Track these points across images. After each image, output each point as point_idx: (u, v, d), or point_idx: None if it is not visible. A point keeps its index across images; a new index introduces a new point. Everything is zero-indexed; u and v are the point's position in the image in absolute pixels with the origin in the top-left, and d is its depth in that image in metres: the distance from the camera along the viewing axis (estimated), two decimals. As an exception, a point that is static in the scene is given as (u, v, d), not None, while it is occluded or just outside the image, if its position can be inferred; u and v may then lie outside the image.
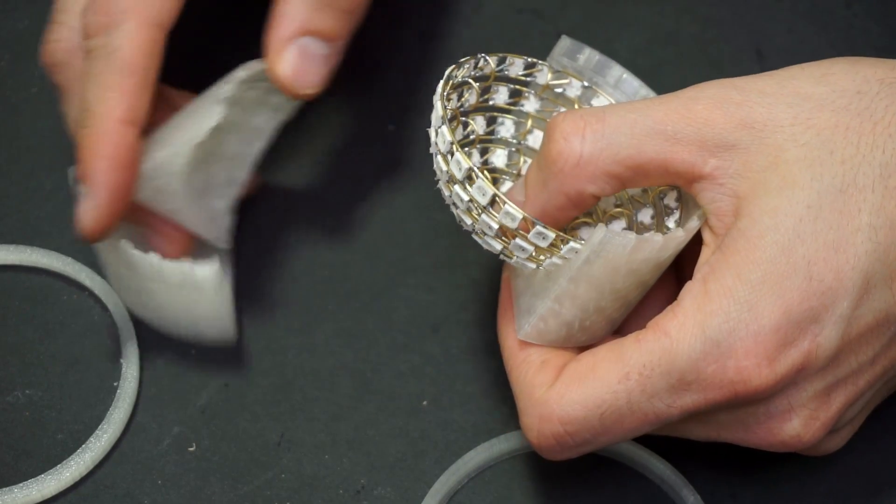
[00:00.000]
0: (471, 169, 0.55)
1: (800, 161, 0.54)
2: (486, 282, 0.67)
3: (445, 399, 0.64)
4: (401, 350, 0.66)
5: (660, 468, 0.62)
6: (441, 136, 0.57)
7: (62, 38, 0.63)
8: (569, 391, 0.55)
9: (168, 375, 0.65)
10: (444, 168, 0.57)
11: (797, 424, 0.55)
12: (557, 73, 0.63)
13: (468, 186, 0.56)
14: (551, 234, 0.55)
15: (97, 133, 0.60)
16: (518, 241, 0.56)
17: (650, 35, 0.75)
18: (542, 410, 0.56)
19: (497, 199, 0.55)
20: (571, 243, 0.55)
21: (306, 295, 0.67)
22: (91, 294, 0.66)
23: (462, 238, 0.69)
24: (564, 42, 0.62)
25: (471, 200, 0.56)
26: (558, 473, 0.62)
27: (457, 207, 0.57)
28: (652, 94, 0.62)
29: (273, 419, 0.64)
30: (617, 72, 0.62)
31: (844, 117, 0.55)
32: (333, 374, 0.65)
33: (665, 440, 0.63)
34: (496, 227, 0.56)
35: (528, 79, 0.62)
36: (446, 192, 0.58)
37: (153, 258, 0.62)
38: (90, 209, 0.60)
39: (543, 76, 0.62)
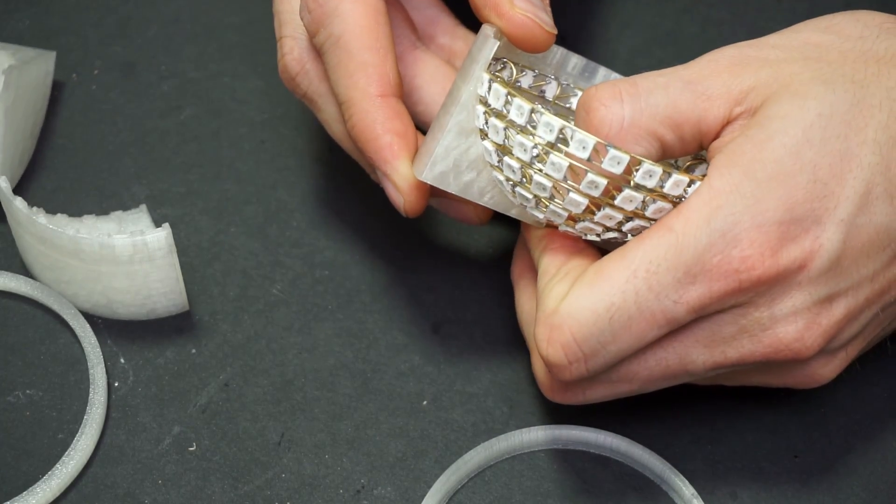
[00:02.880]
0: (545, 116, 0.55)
1: (814, 79, 0.56)
2: (486, 282, 0.68)
3: (445, 399, 0.64)
4: (401, 350, 0.66)
5: (659, 468, 0.62)
6: (495, 91, 0.57)
7: (290, 49, 0.63)
8: (578, 298, 0.56)
9: (168, 375, 0.65)
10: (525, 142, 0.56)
11: (801, 326, 0.56)
12: (564, 87, 0.63)
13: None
14: (658, 169, 0.55)
15: (363, 119, 0.60)
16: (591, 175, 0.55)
17: (650, 35, 0.75)
18: (554, 320, 0.56)
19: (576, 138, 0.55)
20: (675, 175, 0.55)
21: (306, 295, 0.67)
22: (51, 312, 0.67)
23: (462, 238, 0.69)
24: (556, 51, 0.63)
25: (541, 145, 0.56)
26: (558, 473, 0.62)
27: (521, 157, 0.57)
28: None
29: (273, 419, 0.64)
30: (603, 73, 0.64)
31: (851, 54, 0.57)
32: (333, 374, 0.65)
33: (665, 440, 0.63)
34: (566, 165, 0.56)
35: (538, 93, 0.63)
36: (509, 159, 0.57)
37: (101, 238, 0.63)
38: (396, 194, 0.61)
39: (552, 90, 0.63)
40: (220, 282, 0.68)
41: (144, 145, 0.72)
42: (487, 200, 0.60)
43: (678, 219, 0.55)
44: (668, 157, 0.58)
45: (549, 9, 0.60)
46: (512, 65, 0.61)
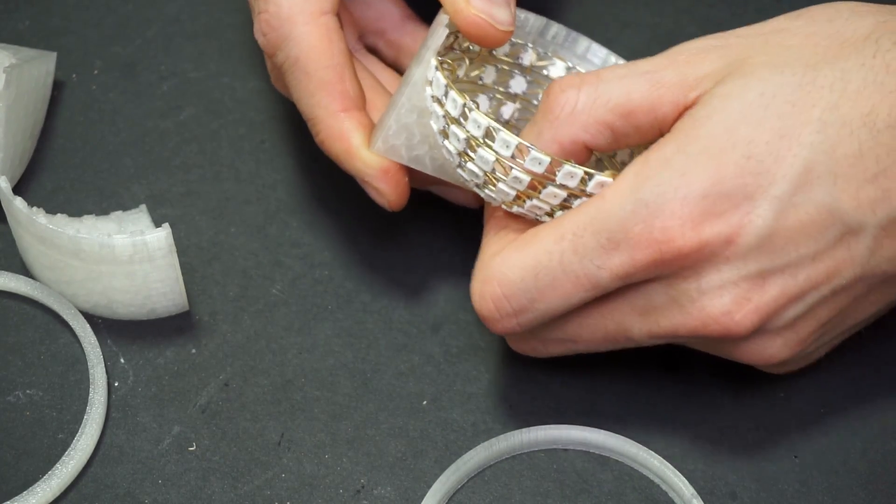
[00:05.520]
0: (465, 105, 0.58)
1: (766, 63, 0.57)
2: (486, 282, 0.67)
3: (445, 399, 0.64)
4: (401, 350, 0.66)
5: (659, 467, 0.62)
6: (436, 80, 0.59)
7: (270, 70, 0.67)
8: (511, 255, 0.58)
9: (168, 375, 0.65)
10: (442, 112, 0.59)
11: (728, 301, 0.56)
12: (541, 55, 0.65)
13: (464, 122, 0.58)
14: (579, 171, 0.57)
15: (332, 136, 0.63)
16: (516, 172, 0.58)
17: (650, 35, 0.75)
18: (486, 273, 0.59)
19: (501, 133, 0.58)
20: (598, 177, 0.57)
21: (306, 295, 0.67)
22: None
23: (462, 238, 0.69)
24: (534, 20, 0.65)
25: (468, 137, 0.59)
26: (558, 473, 0.62)
27: (453, 141, 0.59)
28: (621, 60, 0.65)
29: (273, 419, 0.64)
30: (584, 43, 0.66)
31: (814, 37, 0.57)
32: (333, 374, 0.65)
33: (665, 440, 0.63)
34: (492, 159, 0.58)
35: (514, 60, 0.65)
36: (441, 134, 0.60)
37: (101, 238, 0.63)
38: (380, 198, 0.63)
39: (528, 57, 0.65)
40: (220, 282, 0.68)
41: (144, 145, 0.72)
42: (440, 173, 0.62)
43: (611, 188, 0.57)
44: (625, 144, 0.59)
45: (512, 4, 0.61)
46: (467, 60, 0.64)
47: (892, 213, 0.56)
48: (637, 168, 0.56)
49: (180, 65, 0.75)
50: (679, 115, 0.57)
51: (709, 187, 0.55)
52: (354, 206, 0.70)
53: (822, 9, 0.59)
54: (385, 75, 0.68)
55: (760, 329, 0.57)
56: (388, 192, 0.63)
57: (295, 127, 0.73)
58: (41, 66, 0.71)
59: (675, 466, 0.62)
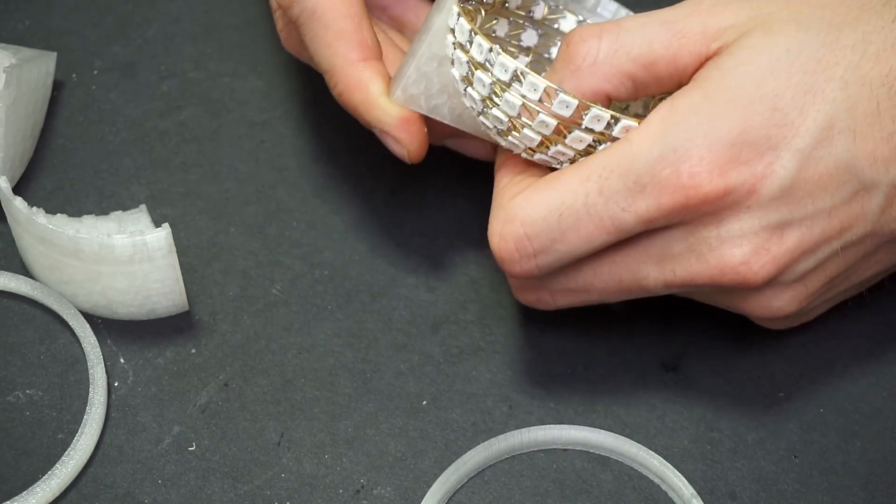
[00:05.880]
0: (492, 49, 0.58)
1: (790, 19, 0.57)
2: (486, 282, 0.67)
3: (445, 399, 0.64)
4: (401, 350, 0.66)
5: (659, 468, 0.62)
6: (460, 26, 0.59)
7: (281, 27, 0.66)
8: (534, 195, 0.58)
9: (168, 375, 0.65)
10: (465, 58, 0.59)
11: (747, 250, 0.57)
12: (553, 8, 0.65)
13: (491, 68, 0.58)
14: (606, 115, 0.57)
15: (351, 86, 0.62)
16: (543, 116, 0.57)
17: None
18: (507, 213, 0.58)
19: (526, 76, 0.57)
20: (624, 120, 0.57)
21: (306, 295, 0.67)
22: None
23: (462, 238, 0.69)
24: None
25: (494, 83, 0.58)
26: (558, 473, 0.62)
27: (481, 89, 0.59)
28: (630, 12, 0.65)
29: (273, 419, 0.64)
30: None
31: (833, 2, 0.58)
32: (333, 374, 0.65)
33: (665, 440, 0.63)
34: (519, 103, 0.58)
35: (525, 13, 0.65)
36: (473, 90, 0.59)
37: (101, 238, 0.63)
38: (399, 149, 0.62)
39: (540, 10, 0.65)
40: (220, 282, 0.68)
41: (144, 145, 0.72)
42: (458, 123, 0.62)
43: (637, 132, 0.57)
44: (645, 94, 0.59)
45: None
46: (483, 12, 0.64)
47: None
48: (664, 113, 0.56)
49: (180, 65, 0.75)
50: (700, 66, 0.58)
51: (736, 135, 0.56)
52: (355, 206, 0.70)
53: None
54: (396, 36, 0.68)
55: (773, 280, 0.58)
56: (408, 141, 0.62)
57: (295, 127, 0.73)
58: (41, 66, 0.71)
59: (675, 466, 0.62)
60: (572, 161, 0.59)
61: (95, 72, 0.75)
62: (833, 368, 0.64)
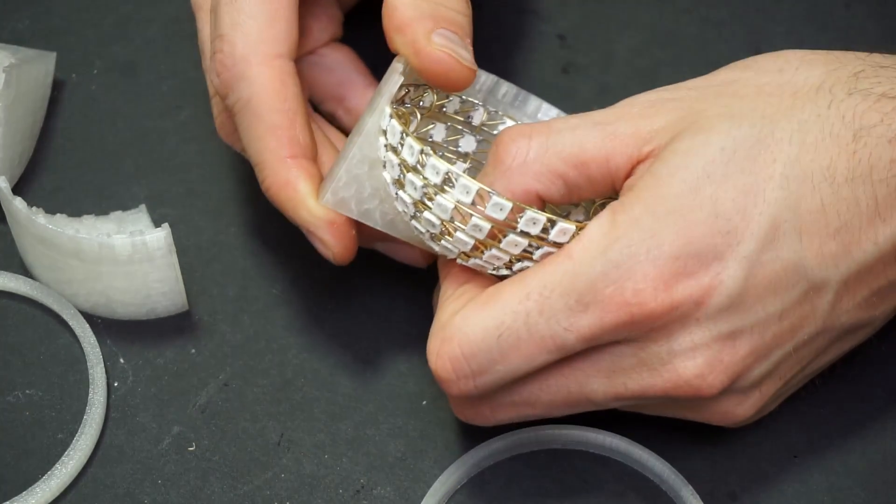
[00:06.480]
0: (422, 151, 0.57)
1: (720, 115, 0.56)
2: (486, 282, 0.67)
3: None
4: (401, 350, 0.66)
5: (659, 468, 0.62)
6: (391, 127, 0.57)
7: (217, 113, 0.65)
8: (473, 313, 0.56)
9: (168, 375, 0.65)
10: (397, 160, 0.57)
11: (700, 363, 0.56)
12: (492, 114, 0.64)
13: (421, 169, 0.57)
14: (542, 218, 0.55)
15: (278, 183, 0.60)
16: (476, 220, 0.56)
17: (649, 35, 0.75)
18: (445, 332, 0.57)
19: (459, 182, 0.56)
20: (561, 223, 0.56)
21: (306, 295, 0.67)
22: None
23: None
24: (485, 78, 0.63)
25: (427, 185, 0.57)
26: (558, 473, 0.62)
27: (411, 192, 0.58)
28: None
29: (273, 419, 0.64)
30: (535, 103, 0.64)
31: (767, 88, 0.57)
32: (333, 374, 0.65)
33: (665, 440, 0.63)
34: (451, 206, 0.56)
35: (464, 118, 0.63)
36: (395, 186, 0.58)
37: (101, 238, 0.63)
38: (325, 250, 0.61)
39: (479, 116, 0.63)
40: (220, 282, 0.68)
41: (144, 145, 0.72)
42: (390, 228, 0.61)
43: (577, 246, 0.55)
44: (578, 197, 0.58)
45: (470, 47, 0.59)
46: (433, 92, 0.62)
47: (853, 266, 0.56)
48: (605, 228, 0.55)
49: (180, 65, 0.75)
50: (633, 168, 0.57)
51: (679, 247, 0.54)
52: (354, 206, 0.70)
53: (772, 59, 0.58)
54: (338, 138, 0.66)
55: (728, 389, 0.57)
56: (333, 244, 0.60)
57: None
58: (41, 66, 0.71)
59: (675, 466, 0.62)
60: (509, 266, 0.57)
61: (95, 72, 0.75)
62: (833, 368, 0.64)
